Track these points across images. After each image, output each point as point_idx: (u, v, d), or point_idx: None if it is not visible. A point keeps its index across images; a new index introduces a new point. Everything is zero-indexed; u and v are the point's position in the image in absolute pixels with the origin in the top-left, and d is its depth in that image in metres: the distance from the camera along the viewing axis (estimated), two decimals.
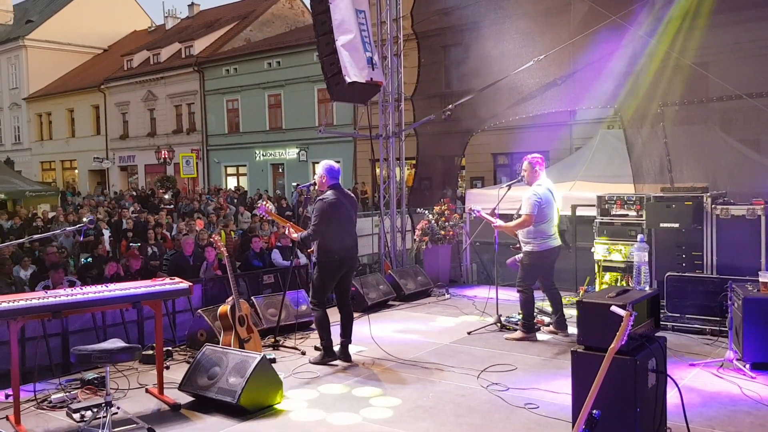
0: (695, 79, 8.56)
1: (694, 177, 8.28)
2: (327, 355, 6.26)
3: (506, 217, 7.62)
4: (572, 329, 6.84)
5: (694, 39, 8.53)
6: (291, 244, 10.00)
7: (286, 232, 6.46)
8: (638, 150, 8.86)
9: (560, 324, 7.09)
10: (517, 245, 7.17)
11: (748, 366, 5.66)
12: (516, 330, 7.08)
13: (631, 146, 8.92)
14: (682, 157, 8.53)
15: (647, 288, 6.73)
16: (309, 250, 6.32)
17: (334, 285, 6.31)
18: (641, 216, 7.75)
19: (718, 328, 6.79)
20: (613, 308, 3.49)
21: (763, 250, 6.95)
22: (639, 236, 7.32)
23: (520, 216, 6.94)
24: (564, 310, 7.15)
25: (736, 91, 8.19)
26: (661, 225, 7.50)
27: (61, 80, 41.65)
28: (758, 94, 8.17)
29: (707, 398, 5.12)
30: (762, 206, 7.04)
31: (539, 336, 7.07)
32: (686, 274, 7.18)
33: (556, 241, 6.96)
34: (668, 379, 4.14)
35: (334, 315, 6.43)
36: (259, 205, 7.52)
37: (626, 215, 7.91)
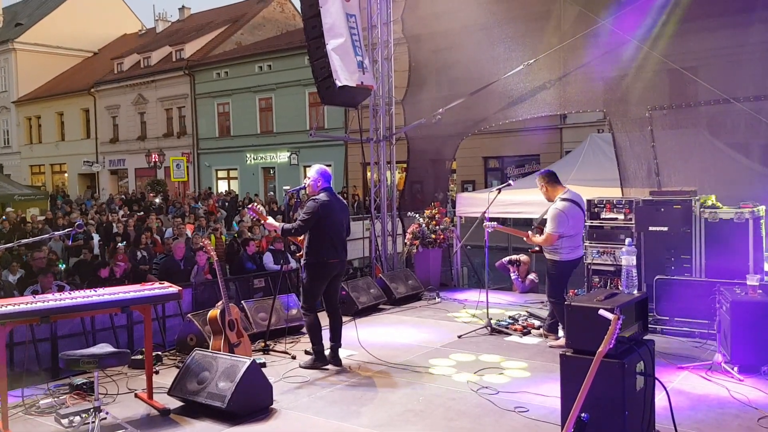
0: (684, 83, 8.63)
1: (682, 181, 8.33)
2: (318, 360, 6.25)
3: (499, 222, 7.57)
4: (562, 333, 6.86)
5: (683, 43, 8.59)
6: (283, 248, 10.02)
7: (265, 224, 6.45)
8: (626, 154, 8.90)
9: (552, 328, 7.09)
10: (536, 248, 7.02)
11: (736, 369, 5.68)
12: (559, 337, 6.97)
13: (620, 150, 8.96)
14: (670, 160, 8.59)
15: (635, 291, 6.75)
16: (298, 254, 6.32)
17: (324, 288, 6.31)
18: (630, 219, 7.80)
19: (706, 331, 6.82)
20: (601, 312, 3.51)
21: (751, 253, 6.99)
22: (628, 240, 7.36)
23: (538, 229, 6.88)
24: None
25: (724, 95, 8.24)
26: (650, 228, 7.55)
27: (51, 83, 41.46)
28: (746, 98, 8.23)
29: (695, 401, 5.15)
30: (750, 210, 7.09)
31: (528, 339, 7.09)
32: (675, 278, 7.22)
33: (581, 251, 6.86)
34: (656, 382, 4.16)
35: (323, 319, 6.43)
36: (249, 206, 7.53)
37: (615, 219, 7.95)
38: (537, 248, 6.97)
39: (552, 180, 6.77)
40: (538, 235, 6.74)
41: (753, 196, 7.44)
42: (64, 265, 11.52)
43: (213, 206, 19.74)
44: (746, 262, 6.96)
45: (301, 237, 6.24)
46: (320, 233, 6.10)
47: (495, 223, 7.26)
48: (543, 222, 6.99)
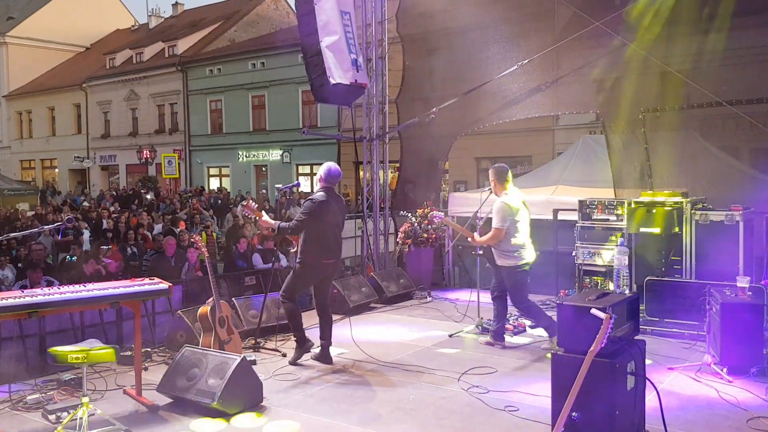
0: (676, 85, 8.65)
1: (674, 183, 8.37)
2: (300, 345, 6.21)
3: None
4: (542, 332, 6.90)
5: (676, 46, 8.62)
6: (273, 247, 9.99)
7: (260, 220, 6.38)
8: (619, 155, 8.93)
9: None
10: (480, 251, 6.87)
11: (725, 370, 5.71)
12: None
13: (612, 151, 9.00)
14: (662, 162, 8.62)
15: (627, 292, 6.77)
16: (292, 251, 6.30)
17: (312, 286, 6.28)
18: (621, 220, 7.82)
19: (696, 332, 6.85)
20: (594, 311, 3.51)
21: (741, 255, 7.03)
22: (619, 240, 7.39)
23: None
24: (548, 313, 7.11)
25: (716, 98, 8.28)
26: (642, 230, 7.57)
27: (43, 78, 41.18)
28: (738, 101, 8.28)
29: (685, 402, 5.17)
30: (740, 212, 7.13)
31: (518, 339, 7.10)
32: (665, 279, 7.25)
33: (532, 254, 6.70)
34: (647, 382, 4.17)
35: (313, 318, 6.41)
36: (244, 203, 7.53)
37: (607, 220, 7.98)
38: (481, 251, 6.83)
39: (502, 176, 6.67)
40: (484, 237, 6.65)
41: (743, 199, 7.48)
42: (73, 259, 11.43)
43: (196, 205, 19.14)
44: (736, 263, 6.99)
45: (297, 236, 6.22)
46: (315, 233, 6.07)
47: (442, 214, 7.40)
48: (488, 222, 6.79)
